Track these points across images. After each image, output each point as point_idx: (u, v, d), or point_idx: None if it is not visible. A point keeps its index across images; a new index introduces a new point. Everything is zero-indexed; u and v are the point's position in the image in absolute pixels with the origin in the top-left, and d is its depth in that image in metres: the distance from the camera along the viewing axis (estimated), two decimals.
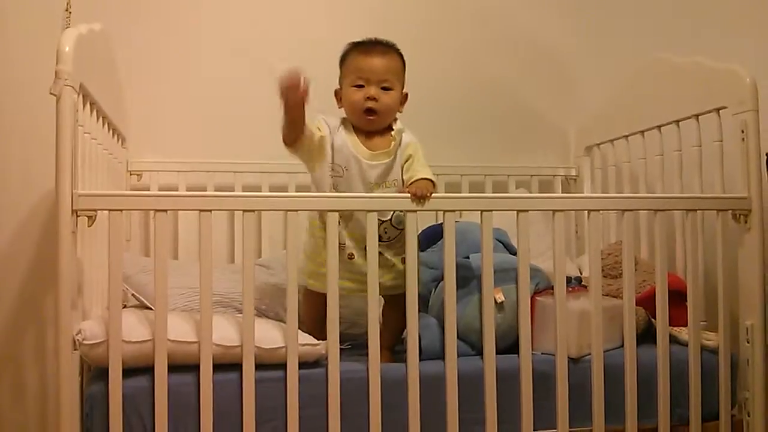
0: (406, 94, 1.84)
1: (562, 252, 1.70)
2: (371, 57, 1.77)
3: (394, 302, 1.76)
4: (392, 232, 1.77)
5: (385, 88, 1.77)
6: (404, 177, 1.76)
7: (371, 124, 1.78)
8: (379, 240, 1.67)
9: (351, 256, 1.75)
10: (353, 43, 1.82)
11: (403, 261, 1.73)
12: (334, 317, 1.57)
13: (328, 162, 1.75)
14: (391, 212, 1.75)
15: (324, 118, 1.78)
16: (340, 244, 1.69)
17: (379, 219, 1.67)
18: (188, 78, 2.40)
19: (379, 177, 1.76)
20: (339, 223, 1.67)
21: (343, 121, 1.81)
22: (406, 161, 1.77)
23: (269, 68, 1.61)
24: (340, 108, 1.83)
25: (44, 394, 2.21)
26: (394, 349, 1.81)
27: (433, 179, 1.70)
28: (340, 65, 1.83)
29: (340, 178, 1.74)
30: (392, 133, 1.80)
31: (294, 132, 1.68)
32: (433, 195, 1.62)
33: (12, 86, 2.21)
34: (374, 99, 1.75)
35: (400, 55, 1.82)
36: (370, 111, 1.76)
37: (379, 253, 1.67)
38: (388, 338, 1.77)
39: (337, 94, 1.84)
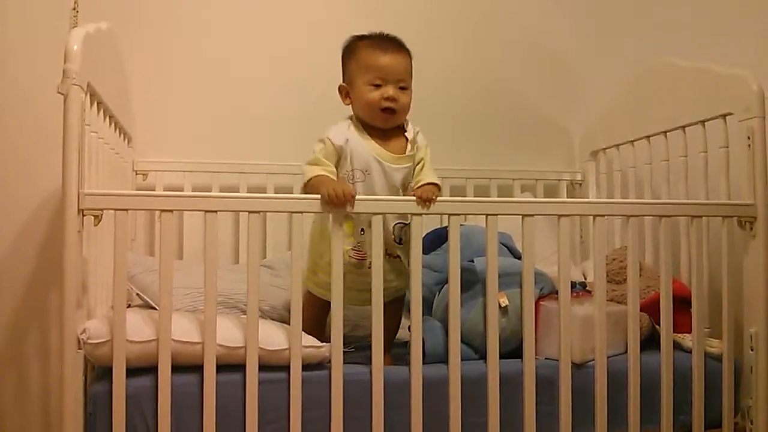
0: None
1: (566, 257, 1.70)
2: (388, 55, 1.69)
3: (392, 304, 1.74)
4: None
5: (402, 88, 1.71)
6: (413, 179, 1.72)
7: (388, 122, 1.71)
8: (399, 243, 1.66)
9: (371, 266, 1.68)
10: (358, 36, 1.75)
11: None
12: (338, 320, 1.56)
13: (345, 168, 1.68)
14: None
15: (333, 135, 1.69)
16: (362, 254, 1.67)
17: (400, 222, 1.64)
18: (194, 78, 2.40)
19: (403, 181, 1.71)
20: (362, 231, 1.65)
21: (352, 123, 1.73)
22: (418, 164, 1.73)
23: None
24: (346, 105, 1.76)
25: (48, 392, 2.22)
26: (392, 351, 1.78)
27: (439, 184, 1.68)
28: (347, 60, 1.76)
29: (360, 182, 1.67)
30: (407, 134, 1.74)
31: None
32: (438, 198, 1.61)
33: (18, 85, 2.22)
34: (394, 99, 1.69)
35: (410, 53, 1.76)
36: (388, 110, 1.69)
37: (397, 256, 1.67)
38: (387, 339, 1.75)
39: (342, 90, 1.76)
